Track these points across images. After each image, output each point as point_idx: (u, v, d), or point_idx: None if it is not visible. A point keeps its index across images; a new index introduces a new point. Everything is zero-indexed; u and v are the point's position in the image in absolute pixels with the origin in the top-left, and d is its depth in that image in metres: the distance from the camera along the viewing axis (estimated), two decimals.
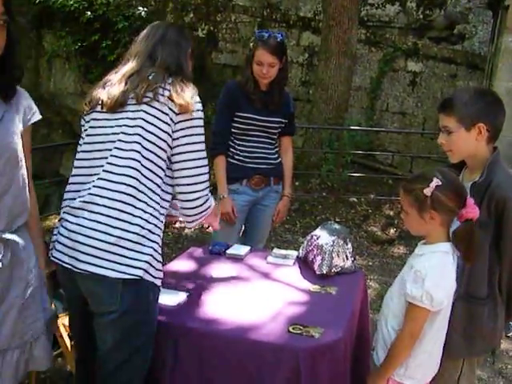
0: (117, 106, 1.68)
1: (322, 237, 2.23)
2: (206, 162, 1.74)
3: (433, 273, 1.64)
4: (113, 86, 1.72)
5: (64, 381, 2.68)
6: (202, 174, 1.72)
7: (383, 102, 7.62)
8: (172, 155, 1.69)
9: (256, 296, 1.97)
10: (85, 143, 1.75)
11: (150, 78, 1.70)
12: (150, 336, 1.68)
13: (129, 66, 1.76)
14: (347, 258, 2.23)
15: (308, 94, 7.89)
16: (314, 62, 7.83)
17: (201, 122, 1.72)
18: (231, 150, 2.84)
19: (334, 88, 6.47)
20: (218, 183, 2.85)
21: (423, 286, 1.62)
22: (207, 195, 1.75)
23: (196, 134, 1.70)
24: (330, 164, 6.42)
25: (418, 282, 1.64)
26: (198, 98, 1.72)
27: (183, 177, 1.70)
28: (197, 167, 1.70)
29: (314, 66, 7.73)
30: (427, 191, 1.65)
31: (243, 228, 3.04)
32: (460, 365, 1.88)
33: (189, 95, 1.68)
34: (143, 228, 1.60)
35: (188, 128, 1.68)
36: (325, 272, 2.15)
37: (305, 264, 2.30)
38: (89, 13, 9.37)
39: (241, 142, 2.83)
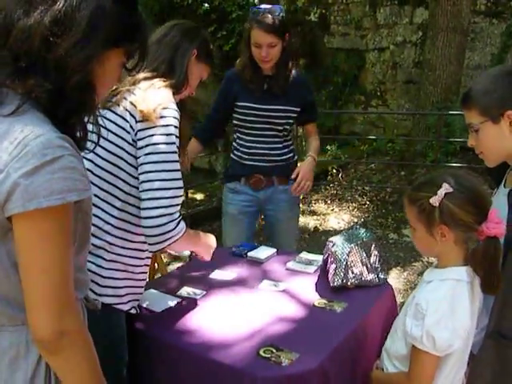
0: None
1: (338, 244, 1.96)
2: (176, 175, 1.52)
3: (436, 308, 1.33)
4: None
5: None
6: (167, 189, 1.50)
7: None
8: (137, 167, 1.55)
9: (247, 308, 1.79)
10: None
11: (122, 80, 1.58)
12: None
13: None
14: (369, 270, 1.94)
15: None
16: None
17: (168, 130, 1.52)
18: (233, 144, 2.63)
19: (443, 68, 5.86)
20: None
21: (423, 325, 1.32)
22: (172, 215, 1.51)
23: (160, 143, 1.51)
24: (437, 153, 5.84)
25: (418, 319, 1.34)
26: (171, 105, 1.55)
27: (144, 190, 1.51)
28: (162, 180, 1.50)
29: None
30: (434, 200, 1.34)
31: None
32: None
33: (156, 101, 1.51)
34: None
35: (150, 136, 1.51)
36: (336, 285, 1.89)
37: (324, 273, 2.06)
38: (206, 5, 9.77)
39: (241, 136, 2.56)
